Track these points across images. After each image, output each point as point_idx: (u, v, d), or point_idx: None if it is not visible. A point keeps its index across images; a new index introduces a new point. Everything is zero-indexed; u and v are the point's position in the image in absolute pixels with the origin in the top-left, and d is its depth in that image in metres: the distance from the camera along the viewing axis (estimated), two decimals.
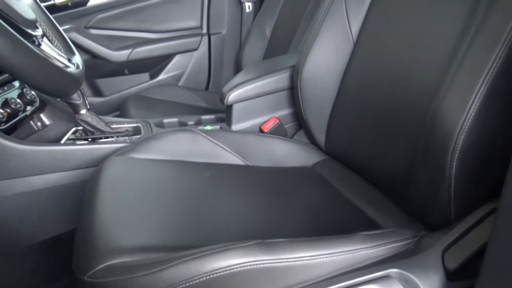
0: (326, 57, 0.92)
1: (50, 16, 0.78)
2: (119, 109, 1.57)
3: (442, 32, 0.67)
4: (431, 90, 0.63)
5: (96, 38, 1.63)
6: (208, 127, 1.06)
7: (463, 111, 0.53)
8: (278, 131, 1.05)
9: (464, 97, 0.53)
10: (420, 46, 0.72)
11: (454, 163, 0.54)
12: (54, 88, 0.63)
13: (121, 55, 1.65)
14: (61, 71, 0.60)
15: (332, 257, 0.54)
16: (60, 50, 0.73)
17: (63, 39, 0.76)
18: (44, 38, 0.66)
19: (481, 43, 0.54)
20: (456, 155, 0.54)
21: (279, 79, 1.03)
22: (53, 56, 0.60)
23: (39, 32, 0.63)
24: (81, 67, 0.69)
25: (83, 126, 0.99)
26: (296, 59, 0.99)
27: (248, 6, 1.75)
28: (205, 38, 1.75)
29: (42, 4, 1.50)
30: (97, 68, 1.67)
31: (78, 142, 0.93)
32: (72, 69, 0.64)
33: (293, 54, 1.14)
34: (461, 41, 0.60)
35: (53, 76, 0.59)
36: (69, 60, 0.67)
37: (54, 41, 0.75)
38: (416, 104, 0.68)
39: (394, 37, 0.79)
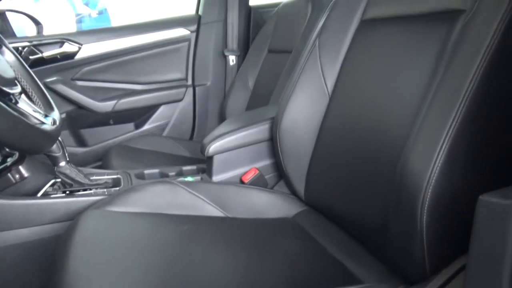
0: (303, 109, 0.95)
1: (31, 72, 0.80)
2: (102, 160, 1.56)
3: (408, 87, 0.70)
4: (400, 143, 0.65)
5: (82, 90, 1.66)
6: (189, 178, 1.06)
7: (429, 165, 0.54)
8: (259, 182, 1.05)
9: (429, 151, 0.55)
10: (388, 100, 0.75)
11: (424, 217, 0.55)
12: (26, 146, 0.63)
13: (107, 105, 1.68)
14: (34, 129, 0.61)
15: None
16: (39, 106, 0.75)
17: (42, 94, 0.77)
18: (23, 95, 0.68)
19: (442, 98, 0.57)
20: (426, 208, 0.55)
21: (259, 131, 1.05)
22: (29, 113, 0.61)
23: (17, 90, 0.65)
24: (57, 123, 0.70)
25: (61, 179, 0.98)
26: (276, 111, 1.01)
27: (232, 59, 1.82)
28: (190, 90, 1.79)
29: (31, 57, 1.57)
30: (82, 119, 1.68)
31: (55, 195, 0.91)
32: (47, 125, 0.65)
33: (273, 106, 1.17)
34: (425, 96, 0.63)
35: (26, 135, 0.60)
36: (46, 116, 0.68)
37: (34, 96, 0.76)
38: (386, 156, 0.70)
39: (366, 91, 0.82)
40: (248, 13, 1.86)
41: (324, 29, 0.95)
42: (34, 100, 0.75)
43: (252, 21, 1.87)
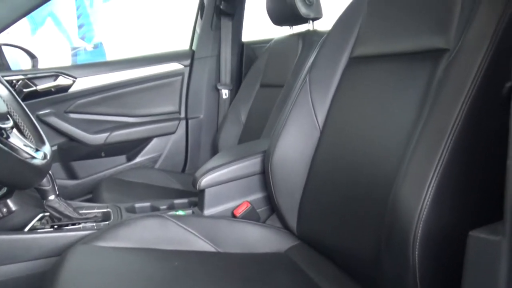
0: (295, 143, 0.96)
1: (24, 106, 0.81)
2: (92, 192, 1.54)
3: (396, 124, 0.72)
4: (390, 178, 0.66)
5: (74, 122, 1.66)
6: (180, 212, 1.05)
7: (418, 200, 0.55)
8: (251, 216, 1.04)
9: (418, 187, 0.55)
10: (378, 135, 0.76)
11: (417, 252, 0.55)
12: (16, 181, 0.63)
13: (99, 138, 1.68)
14: (24, 164, 0.61)
15: None
16: (30, 140, 0.74)
17: (34, 128, 0.77)
18: (14, 129, 0.68)
19: (429, 136, 0.58)
20: (417, 244, 0.54)
21: (251, 164, 1.05)
22: (19, 148, 0.61)
23: (9, 124, 0.65)
24: (48, 157, 0.69)
25: (50, 212, 0.96)
26: (268, 144, 1.02)
27: (224, 93, 1.85)
28: (183, 122, 1.81)
29: (25, 90, 1.58)
30: (73, 151, 1.68)
31: (42, 230, 0.89)
32: (37, 160, 0.65)
33: (265, 140, 1.18)
34: (412, 133, 0.64)
35: (16, 169, 0.60)
36: (37, 150, 0.68)
37: (25, 130, 0.76)
38: (377, 191, 0.70)
39: (356, 126, 0.84)
40: (240, 48, 1.91)
41: (314, 66, 0.98)
42: (26, 134, 0.75)
43: (245, 56, 1.91)
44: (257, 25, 1.95)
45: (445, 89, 0.60)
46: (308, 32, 1.50)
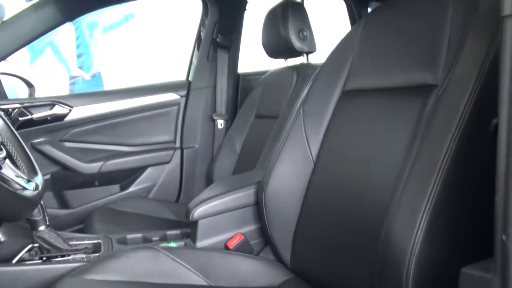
0: (289, 175, 0.97)
1: (18, 136, 0.81)
2: (84, 222, 1.52)
3: (388, 157, 0.72)
4: (383, 211, 0.66)
5: (69, 151, 1.66)
6: (172, 244, 1.03)
7: (411, 235, 0.55)
8: (244, 248, 1.03)
9: (410, 222, 0.55)
10: (370, 168, 0.77)
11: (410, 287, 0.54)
12: (6, 213, 0.62)
13: (93, 167, 1.67)
14: (15, 195, 0.60)
15: None
16: (22, 170, 0.74)
17: (27, 158, 0.77)
18: (7, 160, 0.68)
19: (419, 171, 0.59)
20: (410, 280, 0.54)
21: (245, 195, 1.05)
22: (11, 179, 0.60)
23: (1, 155, 0.65)
24: (40, 188, 0.69)
25: (39, 243, 0.95)
26: (262, 175, 1.02)
27: (220, 123, 1.86)
28: (178, 152, 1.81)
29: (21, 118, 1.58)
30: (67, 180, 1.66)
31: (30, 262, 0.87)
32: (29, 191, 0.64)
33: (259, 171, 1.18)
34: (403, 167, 0.65)
35: (6, 201, 0.59)
36: (29, 181, 0.68)
37: (18, 160, 0.76)
38: (371, 223, 0.70)
39: (349, 159, 0.85)
40: (236, 79, 1.94)
41: (308, 98, 1.00)
42: (18, 164, 0.75)
43: (241, 87, 1.95)
44: (254, 55, 1.99)
45: (435, 125, 0.61)
46: (302, 65, 1.53)
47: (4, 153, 0.66)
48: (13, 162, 0.75)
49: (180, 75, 1.97)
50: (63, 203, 1.66)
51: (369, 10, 1.96)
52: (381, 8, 0.98)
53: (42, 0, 1.49)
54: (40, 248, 0.96)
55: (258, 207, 1.01)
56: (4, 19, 1.52)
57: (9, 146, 0.77)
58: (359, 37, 0.95)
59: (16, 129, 1.53)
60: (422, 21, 0.78)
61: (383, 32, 0.88)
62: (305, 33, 1.46)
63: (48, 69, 3.63)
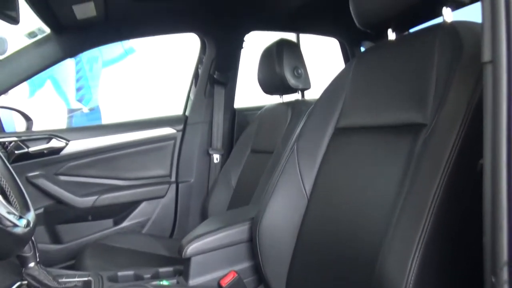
0: (283, 211, 0.96)
1: (12, 172, 0.81)
2: (75, 258, 1.49)
3: (380, 193, 0.73)
4: (377, 247, 0.65)
5: (64, 185, 1.65)
6: (164, 282, 1.01)
7: (403, 277, 0.54)
8: (237, 287, 1.01)
9: (403, 259, 0.55)
10: (363, 204, 0.77)
11: None
12: None
13: (87, 201, 1.66)
14: (5, 233, 0.60)
15: None
16: (15, 206, 0.74)
17: (20, 194, 0.77)
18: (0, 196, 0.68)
19: (410, 210, 0.59)
20: None
21: (238, 232, 1.04)
22: (2, 215, 0.60)
23: None
24: (31, 225, 0.68)
25: (28, 281, 0.92)
26: (256, 211, 1.02)
27: (216, 158, 1.87)
28: (173, 186, 1.80)
29: (17, 152, 1.58)
30: (60, 214, 1.65)
31: None
32: (20, 228, 0.63)
33: (254, 206, 1.18)
34: (395, 204, 0.65)
35: None
36: (21, 217, 0.67)
37: (11, 196, 0.76)
38: (364, 262, 0.70)
39: (342, 195, 0.85)
40: (233, 114, 1.96)
41: (302, 135, 1.01)
42: (11, 200, 0.75)
43: (237, 122, 1.97)
44: (250, 90, 2.02)
45: (424, 164, 0.62)
46: (297, 102, 1.56)
47: None
48: (5, 197, 0.75)
49: (177, 109, 1.99)
50: (55, 238, 1.64)
51: (362, 48, 2.03)
52: (372, 49, 1.02)
53: (44, 37, 1.54)
54: (29, 285, 0.93)
55: (252, 244, 1.00)
56: (7, 53, 1.56)
57: (3, 181, 0.77)
58: (351, 76, 0.97)
59: (12, 162, 1.55)
60: (410, 62, 0.80)
61: (374, 72, 0.91)
62: (299, 71, 1.50)
63: (47, 102, 3.67)
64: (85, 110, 3.65)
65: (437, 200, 0.57)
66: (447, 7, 0.77)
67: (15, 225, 0.63)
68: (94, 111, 3.66)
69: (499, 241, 0.39)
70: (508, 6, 0.46)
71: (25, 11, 1.26)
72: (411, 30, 0.91)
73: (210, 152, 1.87)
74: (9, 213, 0.63)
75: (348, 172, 0.87)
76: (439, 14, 0.79)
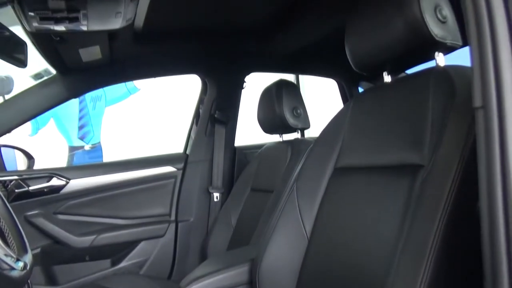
0: (283, 252, 0.95)
1: (12, 213, 0.81)
2: None
3: (380, 236, 0.73)
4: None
5: (62, 224, 1.63)
6: None
7: None
8: None
9: None
10: (364, 246, 0.76)
11: None
12: None
13: (85, 241, 1.63)
14: (1, 277, 0.59)
15: None
16: (12, 248, 0.73)
17: (19, 236, 0.76)
18: None
19: (411, 252, 0.59)
20: None
21: (238, 273, 1.02)
22: None
23: None
24: (28, 268, 0.67)
25: None
26: (256, 252, 1.00)
27: (216, 196, 1.86)
28: (173, 225, 1.78)
29: (17, 190, 1.58)
30: (57, 254, 1.62)
31: None
32: (16, 271, 0.63)
33: (254, 246, 1.16)
34: (395, 247, 0.65)
35: None
36: (18, 260, 0.67)
37: (9, 238, 0.75)
38: None
39: (343, 236, 0.84)
40: (233, 153, 1.97)
41: (301, 175, 1.02)
42: (9, 242, 0.74)
43: (237, 160, 1.97)
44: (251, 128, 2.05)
45: (423, 206, 0.62)
46: (296, 140, 1.58)
47: None
48: (3, 239, 0.74)
49: (178, 148, 2.01)
50: (51, 279, 1.60)
51: (360, 89, 2.07)
52: (369, 90, 1.04)
53: (49, 78, 1.58)
54: None
55: (252, 286, 0.98)
56: (12, 94, 1.59)
57: (2, 222, 0.76)
58: (349, 116, 0.99)
59: (11, 201, 1.55)
60: (406, 104, 0.82)
61: (371, 113, 0.93)
62: (298, 111, 1.53)
63: (50, 140, 3.71)
64: (87, 147, 3.68)
65: (437, 242, 0.56)
66: (439, 52, 0.80)
67: (12, 268, 0.62)
68: (96, 149, 3.69)
69: (500, 286, 0.39)
70: (495, 51, 0.48)
71: (32, 53, 1.31)
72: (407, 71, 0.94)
73: (210, 190, 1.86)
74: (6, 255, 0.62)
75: (348, 213, 0.86)
76: (432, 57, 0.82)
